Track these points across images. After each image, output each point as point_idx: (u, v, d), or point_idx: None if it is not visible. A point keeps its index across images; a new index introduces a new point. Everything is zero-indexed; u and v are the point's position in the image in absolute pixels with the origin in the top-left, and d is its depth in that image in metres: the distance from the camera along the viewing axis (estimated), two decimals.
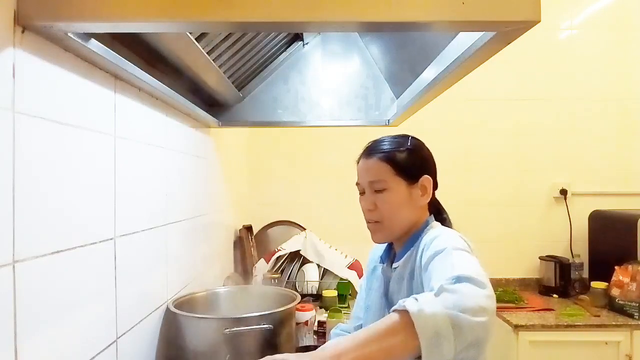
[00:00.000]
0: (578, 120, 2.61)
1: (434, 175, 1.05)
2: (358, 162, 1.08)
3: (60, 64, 0.73)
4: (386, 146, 1.03)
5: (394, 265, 1.05)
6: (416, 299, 0.68)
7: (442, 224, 1.05)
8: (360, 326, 1.14)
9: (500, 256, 2.58)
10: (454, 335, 0.65)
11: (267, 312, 1.15)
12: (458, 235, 0.91)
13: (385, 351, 0.66)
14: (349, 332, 1.17)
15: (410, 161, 1.01)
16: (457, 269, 0.75)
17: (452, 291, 0.69)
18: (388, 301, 1.06)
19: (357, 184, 1.07)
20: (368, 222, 1.05)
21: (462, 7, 0.60)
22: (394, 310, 0.69)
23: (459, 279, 0.71)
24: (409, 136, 1.06)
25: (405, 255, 1.01)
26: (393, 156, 1.01)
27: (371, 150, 1.05)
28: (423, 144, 1.07)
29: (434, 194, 1.06)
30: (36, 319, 0.66)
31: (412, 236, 1.02)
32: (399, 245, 1.06)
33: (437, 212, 1.09)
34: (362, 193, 1.07)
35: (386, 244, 1.12)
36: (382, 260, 1.12)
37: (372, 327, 0.69)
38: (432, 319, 0.65)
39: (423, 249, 0.91)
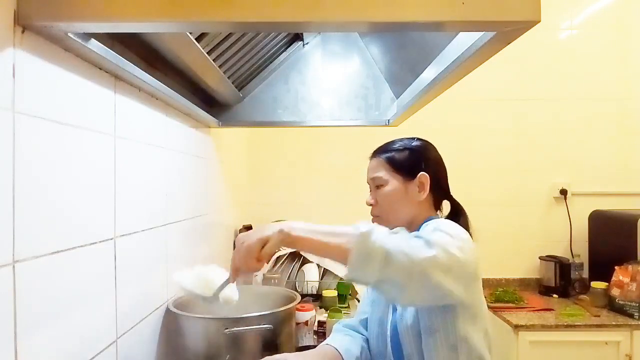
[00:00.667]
0: (578, 120, 2.61)
1: (441, 175, 1.10)
2: None
3: (60, 64, 0.73)
4: (389, 146, 1.11)
5: None
6: (376, 228, 0.80)
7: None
8: (366, 320, 1.15)
9: (501, 256, 2.58)
10: (382, 265, 0.76)
11: (267, 312, 1.16)
12: (458, 226, 0.93)
13: (325, 244, 0.82)
14: (353, 327, 1.17)
15: (407, 159, 1.08)
16: (440, 226, 0.87)
17: (412, 236, 0.83)
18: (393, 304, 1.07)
19: (367, 181, 1.16)
20: (372, 218, 1.12)
21: (462, 7, 0.60)
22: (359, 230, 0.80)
23: (435, 229, 0.85)
24: (416, 138, 1.12)
25: None
26: (392, 155, 1.09)
27: (376, 151, 1.14)
28: (429, 145, 1.12)
29: (441, 192, 1.10)
30: (36, 319, 0.66)
31: (415, 231, 1.02)
32: None
33: (455, 213, 1.12)
34: (370, 189, 1.15)
35: None
36: None
37: (332, 226, 0.85)
38: (372, 243, 0.77)
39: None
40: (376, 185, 1.09)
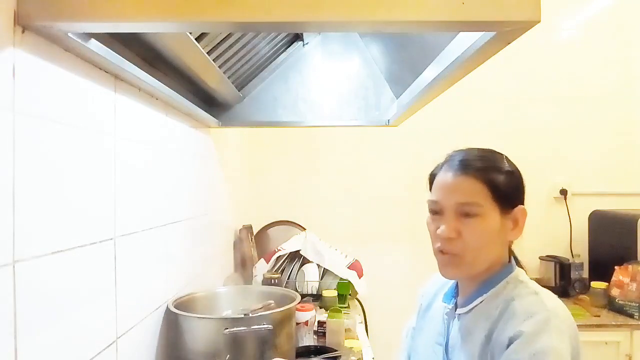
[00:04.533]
0: (578, 120, 2.61)
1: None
2: (433, 175, 0.91)
3: (60, 64, 0.73)
4: (482, 162, 0.86)
5: (460, 310, 0.88)
6: None
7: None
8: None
9: None
10: None
11: (267, 312, 1.16)
12: (566, 325, 0.75)
13: None
14: None
15: (509, 185, 0.85)
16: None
17: None
18: (448, 356, 0.88)
19: (433, 201, 0.87)
20: (441, 253, 0.85)
21: (462, 7, 0.60)
22: None
23: None
24: (503, 155, 0.90)
25: (477, 302, 0.85)
26: (493, 177, 0.83)
27: (463, 163, 0.85)
28: (517, 167, 0.91)
29: None
30: (36, 319, 0.66)
31: (490, 278, 0.85)
32: (469, 286, 0.88)
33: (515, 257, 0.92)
34: (436, 213, 0.86)
35: (453, 280, 0.94)
36: (447, 300, 0.94)
37: None
38: None
39: (515, 326, 0.75)
40: (465, 213, 0.82)
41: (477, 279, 0.86)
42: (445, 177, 0.86)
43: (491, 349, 0.78)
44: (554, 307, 0.77)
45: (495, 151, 0.90)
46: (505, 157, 0.89)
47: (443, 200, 0.85)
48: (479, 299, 0.85)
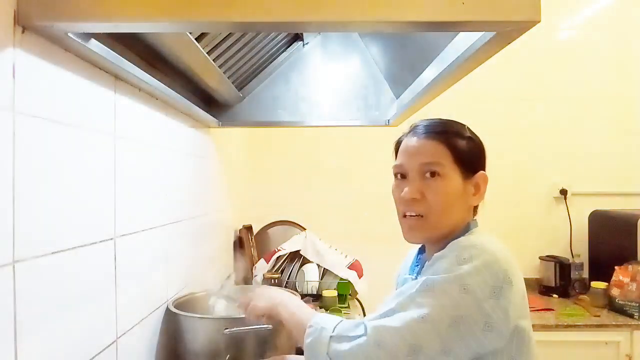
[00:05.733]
0: (578, 120, 2.61)
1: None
2: (398, 143, 0.94)
3: (60, 64, 0.73)
4: (444, 127, 0.89)
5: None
6: (334, 326, 0.81)
7: None
8: None
9: None
10: None
11: None
12: (483, 264, 0.75)
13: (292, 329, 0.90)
14: None
15: (470, 151, 0.87)
16: (394, 319, 0.75)
17: (359, 340, 0.75)
18: None
19: (398, 165, 0.89)
20: (406, 216, 0.87)
21: (462, 7, 0.60)
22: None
23: (374, 331, 0.75)
24: (465, 124, 0.92)
25: None
26: (455, 141, 0.86)
27: (426, 129, 0.89)
28: (478, 137, 0.93)
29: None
30: (36, 319, 0.66)
31: (449, 241, 0.85)
32: (432, 251, 0.89)
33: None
34: (401, 177, 0.89)
35: (416, 252, 0.98)
36: (411, 271, 0.97)
37: (306, 310, 0.93)
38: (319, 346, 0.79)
39: (440, 256, 0.79)
40: (430, 171, 0.84)
41: (440, 243, 0.87)
42: (410, 141, 0.89)
43: None
44: (481, 246, 0.78)
45: (456, 121, 0.93)
46: (467, 126, 0.92)
47: (407, 164, 0.88)
48: None
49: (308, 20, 0.62)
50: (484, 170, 0.89)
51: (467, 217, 0.89)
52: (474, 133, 0.92)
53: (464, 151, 0.86)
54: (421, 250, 0.98)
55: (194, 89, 1.40)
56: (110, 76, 0.89)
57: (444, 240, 0.86)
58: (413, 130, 0.91)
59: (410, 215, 0.87)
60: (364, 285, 2.17)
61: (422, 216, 0.85)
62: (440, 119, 0.92)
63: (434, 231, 0.86)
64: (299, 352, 1.37)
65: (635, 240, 2.14)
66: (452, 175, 0.85)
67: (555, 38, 2.61)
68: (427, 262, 0.85)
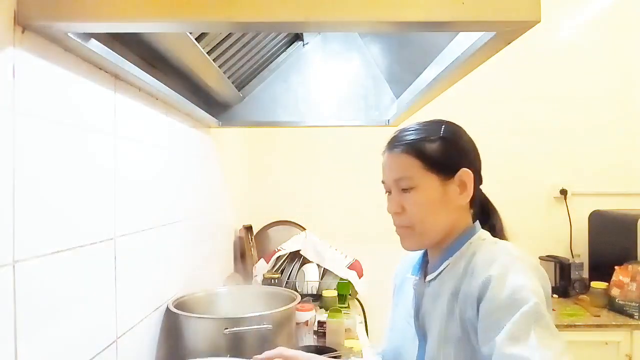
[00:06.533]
0: (578, 120, 2.61)
1: (477, 167, 0.89)
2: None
3: (60, 64, 0.73)
4: (413, 135, 0.87)
5: (428, 278, 0.89)
6: None
7: (492, 232, 0.90)
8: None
9: None
10: None
11: (267, 312, 1.16)
12: (531, 268, 0.74)
13: None
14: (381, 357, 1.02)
15: (443, 152, 0.85)
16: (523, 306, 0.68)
17: None
18: (419, 322, 0.89)
19: (383, 182, 0.92)
20: (396, 227, 0.90)
21: (462, 7, 0.60)
22: None
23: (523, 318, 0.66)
24: (443, 122, 0.90)
25: (443, 267, 0.86)
26: (421, 147, 0.85)
27: (395, 141, 0.88)
28: (461, 129, 0.90)
29: (479, 190, 0.91)
30: (36, 319, 0.66)
31: (453, 243, 0.86)
32: (435, 254, 0.90)
33: (483, 212, 0.93)
34: (388, 192, 0.91)
35: (420, 252, 0.97)
36: (414, 272, 0.96)
37: None
38: None
39: (481, 275, 0.75)
40: (402, 188, 0.86)
41: (440, 247, 0.88)
42: (384, 156, 0.91)
43: (460, 304, 0.78)
44: (517, 253, 0.78)
45: (434, 121, 0.91)
46: (445, 123, 0.89)
47: (386, 180, 0.90)
48: (445, 264, 0.86)
49: (308, 20, 0.62)
50: (471, 166, 0.86)
51: (462, 216, 0.88)
52: (454, 128, 0.90)
53: (436, 155, 0.85)
54: (424, 253, 0.97)
55: (194, 89, 1.40)
56: (110, 76, 0.89)
57: (443, 243, 0.87)
58: (387, 143, 0.92)
59: (400, 226, 0.89)
60: (364, 285, 2.17)
61: (408, 227, 0.87)
62: (417, 122, 0.91)
63: (425, 239, 0.87)
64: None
65: (635, 240, 2.14)
66: (426, 183, 0.84)
67: (555, 38, 2.61)
68: (440, 267, 0.86)
